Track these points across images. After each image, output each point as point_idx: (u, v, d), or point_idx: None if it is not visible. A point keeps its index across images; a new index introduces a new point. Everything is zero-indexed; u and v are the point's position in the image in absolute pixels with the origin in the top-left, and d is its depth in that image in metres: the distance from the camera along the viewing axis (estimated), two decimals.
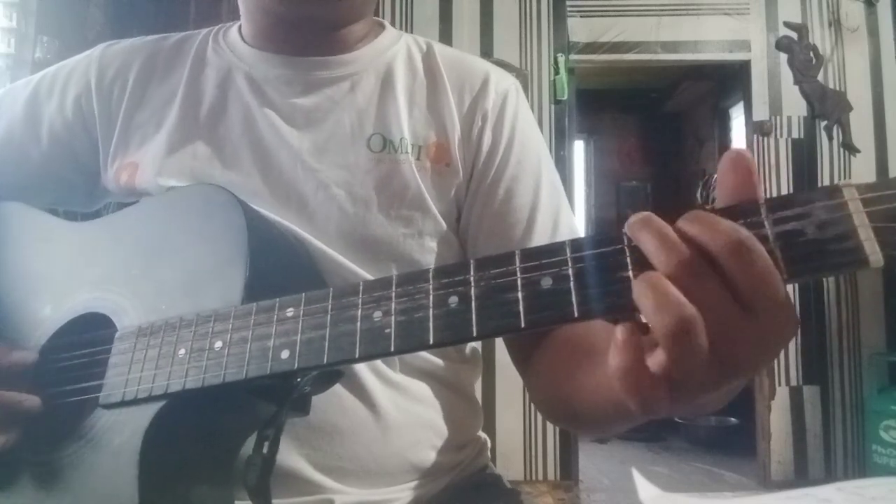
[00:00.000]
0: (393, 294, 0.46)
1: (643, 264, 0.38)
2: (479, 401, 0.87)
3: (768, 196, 0.38)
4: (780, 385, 3.36)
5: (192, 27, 0.88)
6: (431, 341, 0.43)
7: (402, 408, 0.73)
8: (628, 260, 0.39)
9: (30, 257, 0.74)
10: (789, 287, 0.38)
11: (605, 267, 0.40)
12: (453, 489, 0.78)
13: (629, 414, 0.48)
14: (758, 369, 0.39)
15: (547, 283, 0.41)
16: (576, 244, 0.41)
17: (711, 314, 0.37)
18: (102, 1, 2.79)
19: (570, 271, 0.40)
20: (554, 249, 0.42)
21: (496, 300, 0.42)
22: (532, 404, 0.77)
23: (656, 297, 0.37)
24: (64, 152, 0.82)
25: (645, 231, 0.39)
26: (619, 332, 0.39)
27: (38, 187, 0.84)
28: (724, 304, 0.37)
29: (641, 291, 0.38)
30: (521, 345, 0.76)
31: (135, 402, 0.54)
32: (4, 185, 0.83)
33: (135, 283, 0.62)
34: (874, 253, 0.35)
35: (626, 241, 0.40)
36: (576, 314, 0.40)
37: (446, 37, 3.45)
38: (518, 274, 0.42)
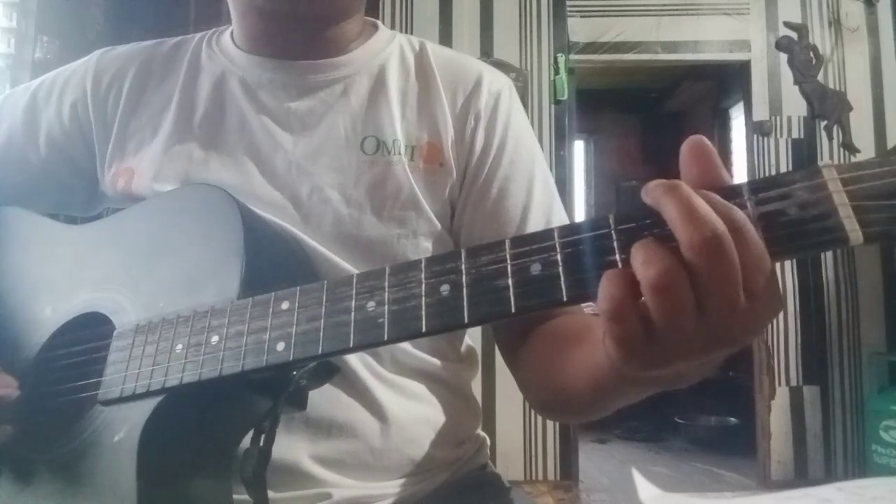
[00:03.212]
0: (386, 284, 0.46)
1: (629, 247, 0.39)
2: (479, 400, 0.88)
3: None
4: (780, 385, 3.36)
5: (191, 28, 0.88)
6: (424, 329, 0.44)
7: (400, 404, 0.73)
8: (615, 244, 0.40)
9: (30, 260, 0.75)
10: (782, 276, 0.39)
11: (592, 251, 0.41)
12: (451, 485, 0.78)
13: (607, 380, 0.49)
14: (741, 345, 0.41)
15: (536, 269, 0.42)
16: (564, 230, 0.42)
17: (718, 288, 0.37)
18: (102, 1, 2.79)
19: (559, 257, 0.41)
20: (542, 236, 0.43)
21: (487, 287, 0.43)
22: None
23: (646, 252, 0.38)
24: (62, 158, 0.83)
25: (670, 197, 0.38)
26: (610, 271, 0.40)
27: (39, 192, 0.85)
28: (733, 281, 0.37)
29: (633, 250, 0.39)
30: (510, 339, 0.77)
31: (133, 397, 0.55)
32: (6, 190, 0.84)
33: (134, 282, 0.63)
34: (854, 230, 0.36)
35: (612, 226, 0.41)
36: (564, 298, 0.41)
37: (446, 37, 3.46)
38: (508, 261, 0.43)
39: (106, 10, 2.81)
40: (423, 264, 0.45)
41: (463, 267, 0.44)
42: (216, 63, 0.82)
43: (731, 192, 0.39)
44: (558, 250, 0.41)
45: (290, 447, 0.66)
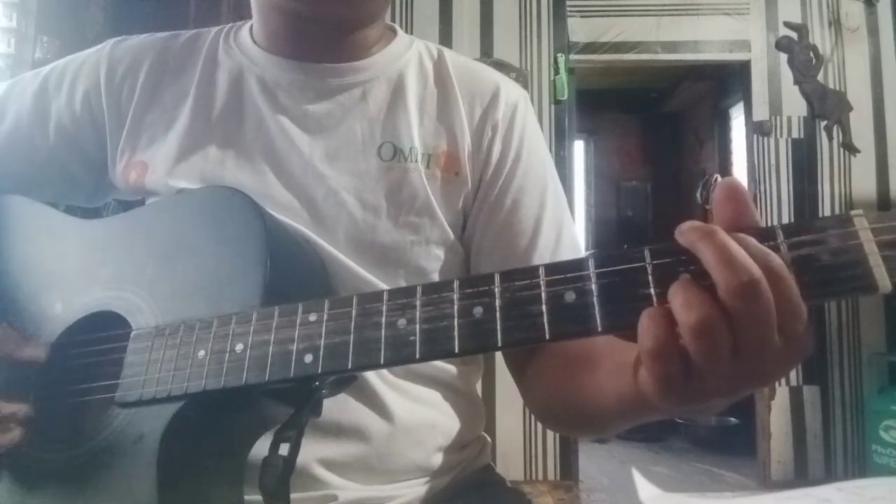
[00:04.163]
0: (418, 302, 0.46)
1: (664, 282, 0.40)
2: (480, 399, 0.88)
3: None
4: (780, 385, 3.36)
5: (191, 27, 0.87)
6: (456, 350, 0.44)
7: (407, 408, 0.74)
8: (650, 278, 0.41)
9: (39, 254, 0.74)
10: None
11: (627, 283, 0.41)
12: (455, 487, 0.79)
13: (633, 407, 0.49)
14: (774, 382, 0.42)
15: (570, 297, 0.42)
16: (598, 260, 0.43)
17: (753, 330, 0.38)
18: (102, 1, 2.78)
19: (594, 287, 0.42)
20: (577, 265, 0.43)
21: (520, 312, 0.43)
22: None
23: (686, 294, 0.39)
24: (71, 147, 0.82)
25: (707, 242, 0.39)
26: (652, 309, 0.40)
27: (44, 180, 0.84)
28: (767, 323, 0.38)
29: (673, 290, 0.39)
30: (518, 352, 0.77)
31: (153, 402, 0.54)
32: (10, 176, 0.83)
33: (150, 282, 0.63)
34: (882, 279, 0.37)
35: (647, 259, 0.41)
36: (599, 328, 0.41)
37: (446, 37, 3.45)
38: (542, 287, 0.43)
39: (106, 10, 2.80)
40: (455, 284, 0.46)
41: (496, 290, 0.44)
42: (234, 60, 0.81)
43: (765, 235, 0.40)
44: (593, 280, 0.42)
45: None
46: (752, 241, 0.39)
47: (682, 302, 0.38)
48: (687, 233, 0.40)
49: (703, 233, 0.39)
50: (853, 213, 0.39)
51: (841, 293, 0.38)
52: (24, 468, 0.61)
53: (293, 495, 0.65)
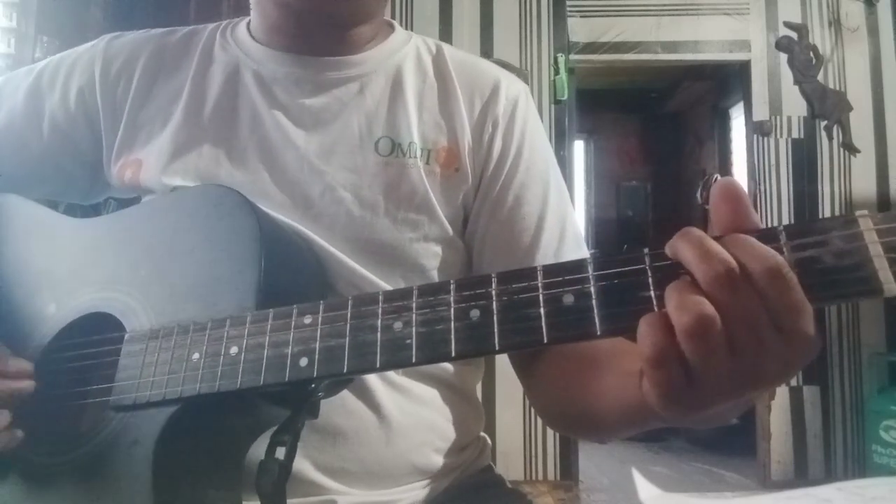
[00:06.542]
0: (414, 305, 0.46)
1: (664, 284, 0.39)
2: (479, 401, 0.87)
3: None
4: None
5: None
6: (453, 353, 0.43)
7: (405, 410, 0.73)
8: (650, 279, 0.40)
9: (33, 254, 0.73)
10: None
11: (627, 286, 0.41)
12: (455, 490, 0.78)
13: (639, 415, 0.49)
14: (778, 384, 0.40)
15: (569, 299, 0.41)
16: (598, 262, 0.42)
17: (745, 326, 0.38)
18: (102, 1, 2.78)
19: (592, 289, 0.41)
20: (576, 266, 0.42)
21: (518, 315, 0.42)
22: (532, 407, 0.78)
23: (680, 297, 0.38)
24: (65, 144, 0.81)
25: (684, 241, 0.39)
26: (650, 315, 0.40)
27: (38, 178, 0.83)
28: (758, 319, 0.37)
29: (667, 293, 0.39)
30: (523, 353, 0.76)
31: (147, 405, 0.54)
32: (4, 175, 0.82)
33: (144, 284, 0.62)
34: (888, 282, 0.36)
35: (647, 262, 0.41)
36: (598, 332, 0.40)
37: (446, 37, 3.45)
38: (540, 289, 0.42)
39: (106, 10, 2.80)
40: (451, 286, 0.45)
41: (493, 292, 0.43)
42: (230, 54, 0.80)
43: (767, 237, 0.39)
44: (592, 283, 0.41)
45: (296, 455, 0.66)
46: (751, 238, 0.39)
47: (675, 304, 0.38)
48: (671, 244, 0.40)
49: (679, 234, 0.40)
50: (858, 213, 0.37)
51: (845, 296, 0.37)
52: (19, 472, 0.60)
53: (292, 501, 0.64)
